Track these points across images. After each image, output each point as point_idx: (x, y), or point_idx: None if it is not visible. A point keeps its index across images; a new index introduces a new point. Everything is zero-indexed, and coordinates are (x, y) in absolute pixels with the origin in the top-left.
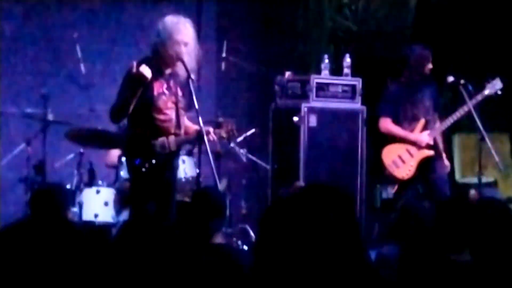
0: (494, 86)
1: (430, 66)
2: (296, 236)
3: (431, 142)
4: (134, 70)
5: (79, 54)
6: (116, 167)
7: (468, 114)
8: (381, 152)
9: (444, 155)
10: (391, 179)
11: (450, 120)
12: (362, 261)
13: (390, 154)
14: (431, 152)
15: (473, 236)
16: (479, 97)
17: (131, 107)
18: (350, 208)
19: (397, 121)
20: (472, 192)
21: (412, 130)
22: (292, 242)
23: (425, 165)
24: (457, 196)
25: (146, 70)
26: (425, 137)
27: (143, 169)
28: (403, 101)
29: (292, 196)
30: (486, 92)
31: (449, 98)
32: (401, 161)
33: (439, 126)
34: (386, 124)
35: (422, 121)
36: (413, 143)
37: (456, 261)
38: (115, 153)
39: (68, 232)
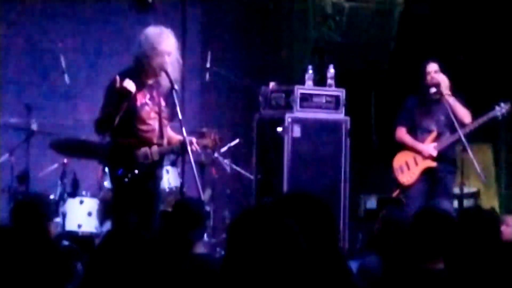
0: (502, 110)
1: (430, 76)
2: (268, 245)
3: (434, 154)
4: (118, 84)
5: (63, 64)
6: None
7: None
8: (395, 156)
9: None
10: (395, 184)
11: (457, 135)
12: (341, 268)
13: (400, 159)
14: (433, 164)
15: (447, 246)
16: (485, 118)
17: (117, 120)
18: (327, 215)
19: (412, 131)
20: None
21: (423, 141)
22: (264, 251)
23: (431, 176)
24: (431, 206)
25: (130, 85)
26: (430, 149)
27: (126, 180)
28: (417, 113)
29: (266, 205)
30: (491, 114)
31: None
32: (407, 167)
33: (445, 140)
34: (400, 133)
35: (434, 134)
36: (420, 153)
37: (430, 270)
38: None
39: (47, 247)
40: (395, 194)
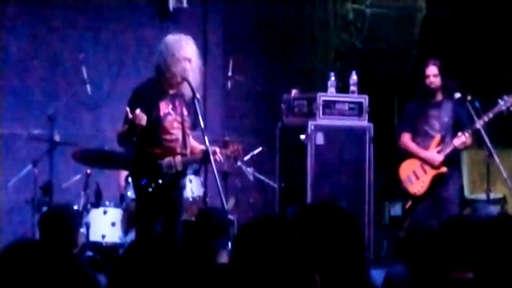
0: (506, 103)
1: (429, 79)
2: (274, 260)
3: (440, 159)
4: (130, 115)
5: (85, 75)
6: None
7: (476, 130)
8: (399, 167)
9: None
10: (405, 194)
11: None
12: (363, 280)
13: (406, 169)
14: (444, 169)
15: (477, 254)
16: (490, 114)
17: (134, 139)
18: (352, 227)
19: (415, 137)
20: (467, 210)
21: (426, 146)
22: (270, 265)
23: (438, 181)
24: (460, 214)
25: (138, 118)
26: (435, 156)
27: (150, 189)
28: (419, 117)
29: (292, 217)
30: (496, 109)
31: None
32: (415, 177)
33: (451, 143)
34: (405, 140)
35: (437, 137)
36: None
37: (460, 279)
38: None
39: (71, 259)
40: (407, 206)
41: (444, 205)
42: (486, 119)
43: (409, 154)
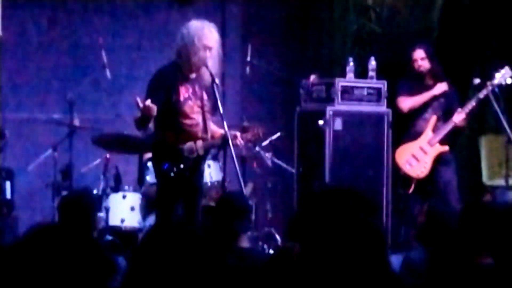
0: (504, 75)
1: (417, 63)
2: (319, 240)
3: (446, 88)
4: (140, 105)
5: (105, 59)
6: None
7: (495, 115)
8: (394, 153)
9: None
10: (407, 179)
11: (451, 123)
12: (384, 267)
13: (403, 154)
14: (445, 148)
15: (496, 240)
16: (489, 87)
17: (150, 124)
18: (372, 212)
19: (409, 118)
20: (487, 196)
21: (422, 128)
22: (316, 246)
23: (437, 163)
24: (480, 200)
25: (147, 109)
26: (441, 86)
27: (172, 174)
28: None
29: (317, 201)
30: (496, 81)
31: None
32: (415, 159)
33: (450, 121)
34: (403, 99)
35: (434, 118)
36: (426, 140)
37: (478, 264)
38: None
39: (90, 242)
40: (411, 190)
41: (445, 188)
42: (485, 92)
43: (404, 139)
